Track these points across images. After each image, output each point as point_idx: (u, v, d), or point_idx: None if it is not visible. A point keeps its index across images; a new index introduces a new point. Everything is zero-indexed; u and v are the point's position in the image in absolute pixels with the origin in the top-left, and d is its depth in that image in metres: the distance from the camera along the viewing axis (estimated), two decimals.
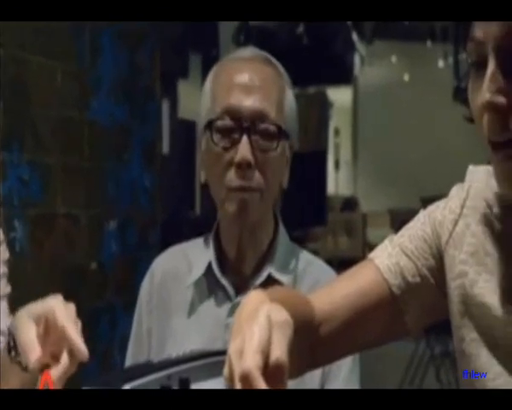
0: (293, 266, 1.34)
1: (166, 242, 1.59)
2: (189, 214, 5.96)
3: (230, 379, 0.72)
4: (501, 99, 0.80)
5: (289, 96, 1.33)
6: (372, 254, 1.01)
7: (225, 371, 0.74)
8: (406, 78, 8.67)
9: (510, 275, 0.92)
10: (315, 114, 8.34)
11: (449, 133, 8.36)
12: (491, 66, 0.81)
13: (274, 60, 1.34)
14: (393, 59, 8.64)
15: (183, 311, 1.34)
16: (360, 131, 9.48)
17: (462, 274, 0.95)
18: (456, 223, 0.97)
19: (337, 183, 8.62)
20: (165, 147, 5.67)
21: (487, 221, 0.95)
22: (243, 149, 1.25)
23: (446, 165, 8.24)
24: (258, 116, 1.26)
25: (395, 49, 8.58)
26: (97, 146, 3.00)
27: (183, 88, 6.16)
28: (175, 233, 4.20)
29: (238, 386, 0.70)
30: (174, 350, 1.24)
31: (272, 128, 1.27)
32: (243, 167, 1.25)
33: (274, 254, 1.33)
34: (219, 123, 1.27)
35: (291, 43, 7.34)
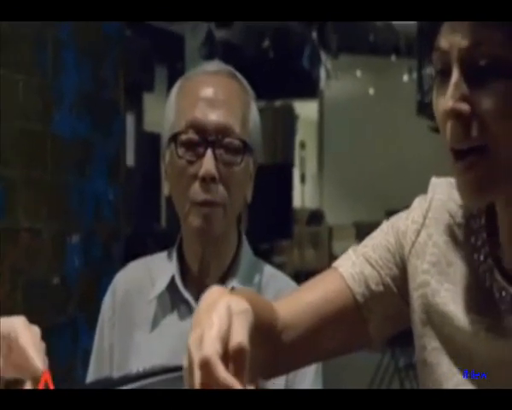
0: (256, 279, 1.34)
1: (131, 256, 1.58)
2: (154, 228, 5.92)
3: (190, 370, 0.71)
4: (464, 106, 0.81)
5: (253, 110, 1.34)
6: (336, 263, 1.02)
7: (184, 362, 0.73)
8: (371, 91, 8.74)
9: (472, 285, 0.93)
10: (281, 127, 8.36)
11: (413, 146, 8.45)
12: (455, 74, 0.82)
13: (238, 74, 1.35)
14: (358, 73, 8.71)
15: (145, 325, 1.33)
16: (326, 145, 9.53)
17: (424, 284, 0.95)
18: (418, 233, 0.98)
19: (303, 196, 8.65)
20: (131, 160, 5.64)
21: (450, 232, 0.96)
22: (207, 163, 1.25)
23: (411, 178, 8.31)
24: (223, 130, 1.27)
25: (360, 63, 8.65)
26: (60, 159, 2.97)
27: (149, 101, 6.13)
28: (140, 247, 4.17)
29: (197, 374, 0.69)
30: (137, 365, 1.22)
31: (237, 143, 1.27)
32: (207, 181, 1.25)
33: (237, 267, 1.33)
34: (184, 137, 1.27)
35: (257, 56, 7.36)
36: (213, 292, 0.79)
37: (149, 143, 5.48)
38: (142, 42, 5.73)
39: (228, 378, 0.69)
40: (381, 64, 8.43)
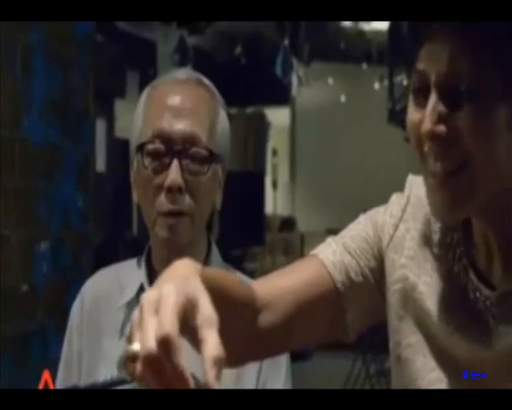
0: None
1: (101, 263, 1.57)
2: (126, 235, 5.89)
3: (141, 330, 0.66)
4: (441, 128, 0.83)
5: (222, 117, 1.33)
6: (315, 251, 1.01)
7: (135, 319, 0.68)
8: (343, 99, 8.78)
9: (447, 283, 0.94)
10: (253, 134, 8.37)
11: (384, 154, 8.50)
12: (433, 98, 0.84)
13: (207, 81, 1.34)
14: (330, 80, 8.74)
15: (114, 333, 1.32)
16: (298, 152, 9.55)
17: (402, 278, 0.96)
18: (396, 227, 0.99)
19: (275, 203, 8.66)
20: (102, 166, 5.60)
21: (426, 229, 0.97)
22: (173, 174, 1.24)
23: (382, 185, 8.34)
24: (190, 140, 1.26)
25: (332, 70, 8.69)
26: (29, 166, 2.94)
27: (120, 107, 6.11)
28: (111, 254, 4.14)
29: (148, 344, 0.64)
30: (105, 373, 1.21)
31: (203, 152, 1.27)
32: (173, 191, 1.25)
33: None
34: (150, 147, 1.26)
35: (229, 63, 7.37)
36: (183, 263, 0.78)
37: (121, 150, 5.45)
38: (114, 48, 5.71)
39: (184, 370, 0.64)
40: (352, 72, 8.47)
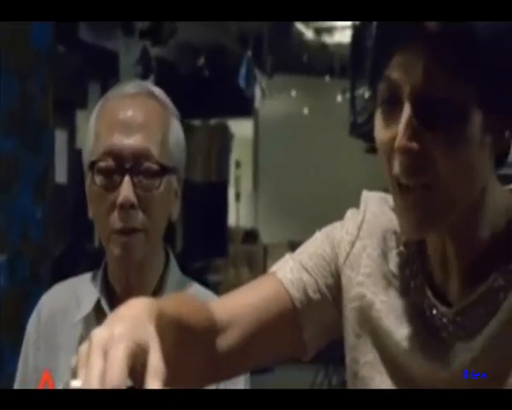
0: None
1: (60, 275, 1.55)
2: (86, 247, 5.82)
3: (86, 370, 0.66)
4: (415, 145, 0.82)
5: (175, 128, 1.31)
6: (273, 269, 1.00)
7: (82, 353, 0.67)
8: (306, 111, 8.82)
9: (405, 301, 0.93)
10: (216, 145, 8.36)
11: (347, 166, 8.54)
12: (407, 111, 0.82)
13: (158, 92, 1.32)
14: (293, 93, 8.78)
15: (71, 348, 1.29)
16: (261, 164, 9.56)
17: (359, 296, 0.96)
18: (353, 245, 0.98)
19: (238, 215, 8.64)
20: (63, 178, 5.54)
21: (383, 245, 0.96)
22: (125, 191, 1.23)
23: (345, 197, 8.39)
24: (141, 156, 1.24)
25: (295, 83, 8.72)
26: None
27: (82, 118, 6.05)
28: (70, 266, 4.08)
29: (91, 386, 0.65)
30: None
31: (155, 167, 1.25)
32: (126, 208, 1.23)
33: (164, 288, 1.31)
34: (101, 164, 1.25)
35: (192, 74, 7.35)
36: (136, 304, 0.76)
37: (82, 161, 5.39)
38: (75, 58, 5.66)
39: None
40: (315, 84, 8.51)
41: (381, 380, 0.92)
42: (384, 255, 0.96)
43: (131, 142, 1.24)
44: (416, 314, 0.92)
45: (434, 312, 0.90)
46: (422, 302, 0.92)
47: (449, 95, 0.81)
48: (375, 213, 0.98)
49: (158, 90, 1.32)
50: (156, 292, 1.31)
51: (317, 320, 0.98)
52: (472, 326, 0.87)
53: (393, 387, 0.91)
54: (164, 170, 1.26)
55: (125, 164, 1.24)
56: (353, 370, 0.96)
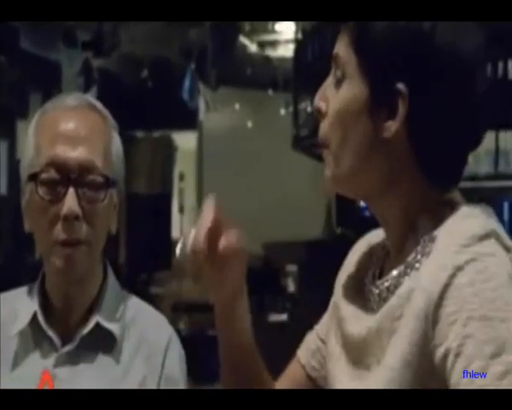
0: (121, 314, 1.33)
1: (0, 288, 1.53)
2: (27, 259, 5.73)
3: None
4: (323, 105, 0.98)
5: (116, 141, 1.32)
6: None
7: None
8: (249, 124, 8.86)
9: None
10: (160, 158, 8.32)
11: (290, 179, 8.61)
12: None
13: (98, 104, 1.33)
14: (237, 106, 8.81)
15: (6, 363, 1.27)
16: (205, 176, 9.56)
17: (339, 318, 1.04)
18: (342, 270, 1.10)
19: (182, 227, 8.61)
20: (3, 189, 5.44)
21: (363, 257, 1.08)
22: (70, 202, 1.23)
23: (287, 210, 8.44)
24: (85, 168, 1.25)
25: (239, 96, 8.75)
26: None
27: (23, 129, 5.96)
28: (10, 279, 4.01)
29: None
30: None
31: (100, 179, 1.26)
32: (70, 220, 1.23)
33: (102, 302, 1.31)
34: (44, 176, 1.24)
35: (136, 86, 7.32)
36: None
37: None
38: (17, 69, 5.58)
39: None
40: (258, 98, 8.55)
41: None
42: (361, 266, 1.06)
43: (76, 154, 1.24)
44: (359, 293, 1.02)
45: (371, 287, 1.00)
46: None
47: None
48: (367, 236, 1.09)
49: (98, 103, 1.33)
50: (94, 305, 1.31)
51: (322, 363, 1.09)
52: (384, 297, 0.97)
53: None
54: (108, 182, 1.27)
55: (69, 175, 1.23)
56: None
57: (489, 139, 6.52)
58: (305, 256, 4.36)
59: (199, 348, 5.53)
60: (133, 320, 1.33)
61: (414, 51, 0.91)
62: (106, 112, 1.33)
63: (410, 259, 0.93)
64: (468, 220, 0.91)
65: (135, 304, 1.36)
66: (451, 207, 0.94)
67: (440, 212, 0.94)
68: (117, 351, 1.28)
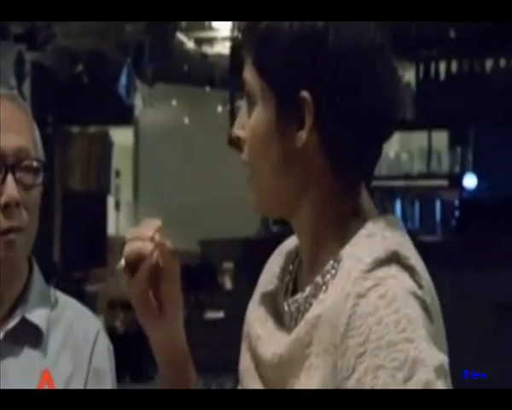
0: (47, 308, 1.32)
1: None
2: None
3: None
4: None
5: (37, 129, 1.34)
6: None
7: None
8: (186, 121, 8.83)
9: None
10: (96, 153, 8.22)
11: (227, 177, 8.61)
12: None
13: (16, 95, 1.36)
14: (174, 102, 8.77)
15: None
16: (141, 173, 9.48)
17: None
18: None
19: (118, 224, 8.53)
20: None
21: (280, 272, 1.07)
22: (10, 189, 1.23)
23: (224, 208, 8.44)
24: (21, 153, 1.26)
25: (176, 92, 8.71)
26: None
27: None
28: None
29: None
30: None
31: (35, 164, 1.27)
32: (11, 207, 1.22)
33: (28, 296, 1.31)
34: None
35: (71, 81, 7.21)
36: None
37: None
38: None
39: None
40: (196, 94, 8.53)
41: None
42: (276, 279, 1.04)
43: (11, 140, 1.25)
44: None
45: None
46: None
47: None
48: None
49: (15, 94, 1.37)
50: (21, 299, 1.30)
51: None
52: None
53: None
54: (44, 166, 1.28)
55: (6, 161, 1.24)
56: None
57: (422, 139, 6.66)
58: (241, 254, 4.38)
59: (135, 346, 5.49)
60: (60, 314, 1.33)
61: (311, 57, 0.91)
62: (25, 104, 1.35)
63: (317, 279, 0.94)
64: (371, 241, 0.92)
65: (61, 299, 1.36)
66: (359, 218, 0.95)
67: (348, 226, 0.95)
68: (43, 345, 1.28)
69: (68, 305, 1.36)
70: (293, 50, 0.92)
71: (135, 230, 1.01)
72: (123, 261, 0.97)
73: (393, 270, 0.89)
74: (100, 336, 1.33)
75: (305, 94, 0.92)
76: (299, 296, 0.96)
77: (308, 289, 0.95)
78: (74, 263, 7.03)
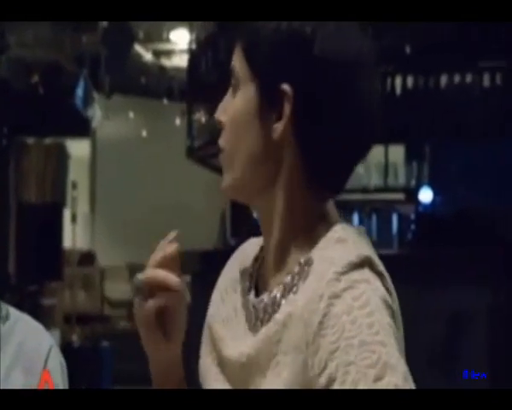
0: None
1: None
2: None
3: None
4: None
5: None
6: None
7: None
8: (144, 133, 8.78)
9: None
10: (52, 165, 8.13)
11: (184, 189, 8.59)
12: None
13: None
14: (131, 114, 8.72)
15: None
16: (98, 185, 9.40)
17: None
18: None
19: (74, 237, 8.44)
20: None
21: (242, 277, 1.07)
22: None
23: (182, 221, 8.41)
24: None
25: (133, 104, 8.67)
26: None
27: None
28: None
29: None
30: None
31: None
32: None
33: None
34: None
35: (26, 91, 7.13)
36: None
37: None
38: None
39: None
40: (153, 107, 8.50)
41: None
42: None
43: None
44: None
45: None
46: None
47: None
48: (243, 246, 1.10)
49: None
50: None
51: None
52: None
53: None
54: None
55: None
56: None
57: (379, 153, 6.72)
58: (198, 266, 4.36)
59: (91, 360, 5.42)
60: (11, 329, 1.31)
61: (296, 53, 0.93)
62: None
63: (287, 280, 0.94)
64: (342, 246, 0.93)
65: (13, 314, 1.34)
66: (326, 223, 0.97)
67: (315, 229, 0.96)
68: None
69: (21, 320, 1.34)
70: (282, 44, 0.94)
71: (162, 254, 1.00)
72: (142, 279, 0.96)
73: (366, 274, 0.91)
74: (52, 351, 1.31)
75: (286, 87, 0.93)
76: (266, 297, 0.96)
77: (276, 290, 0.95)
78: (29, 276, 6.93)
